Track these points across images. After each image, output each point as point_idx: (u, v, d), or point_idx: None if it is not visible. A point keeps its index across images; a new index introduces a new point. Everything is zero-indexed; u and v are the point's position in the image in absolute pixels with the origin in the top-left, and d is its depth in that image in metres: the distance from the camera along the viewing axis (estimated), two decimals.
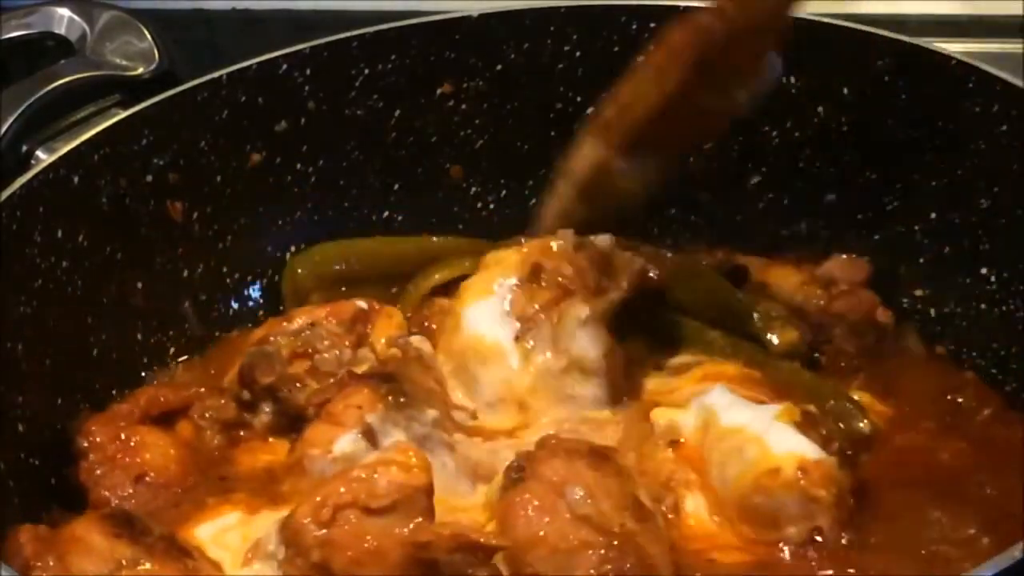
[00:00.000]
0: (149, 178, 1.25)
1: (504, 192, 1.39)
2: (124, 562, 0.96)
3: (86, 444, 1.13)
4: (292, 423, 1.16)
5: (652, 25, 1.30)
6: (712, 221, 1.36)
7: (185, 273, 1.29)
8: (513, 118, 1.36)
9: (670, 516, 1.05)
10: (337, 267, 1.31)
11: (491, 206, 1.39)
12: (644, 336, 1.23)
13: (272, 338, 1.20)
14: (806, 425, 1.04)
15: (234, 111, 1.29)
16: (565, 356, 1.15)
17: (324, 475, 1.05)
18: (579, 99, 1.35)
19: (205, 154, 1.28)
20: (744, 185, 1.34)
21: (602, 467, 1.00)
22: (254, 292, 1.34)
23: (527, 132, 1.37)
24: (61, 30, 1.43)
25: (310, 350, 1.19)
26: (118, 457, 1.13)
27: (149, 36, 1.41)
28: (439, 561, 0.96)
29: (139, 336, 1.25)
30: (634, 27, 1.31)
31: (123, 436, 1.14)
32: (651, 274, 1.22)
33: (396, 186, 1.37)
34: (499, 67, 1.34)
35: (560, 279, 1.17)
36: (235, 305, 1.33)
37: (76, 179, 1.19)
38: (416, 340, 1.16)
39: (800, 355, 1.20)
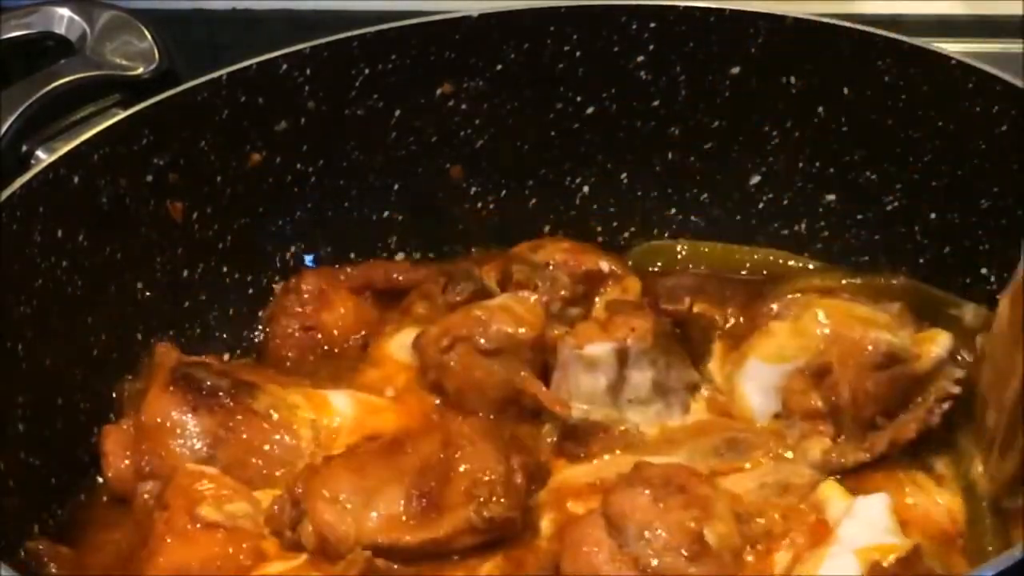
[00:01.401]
0: (149, 178, 1.25)
1: (504, 192, 1.39)
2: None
3: (294, 286, 1.27)
4: None
5: (652, 25, 1.31)
6: (712, 221, 1.36)
7: (185, 273, 1.29)
8: (513, 118, 1.36)
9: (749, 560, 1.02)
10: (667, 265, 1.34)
11: (491, 206, 1.39)
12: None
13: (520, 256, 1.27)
14: (882, 573, 0.97)
15: (234, 111, 1.28)
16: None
17: (565, 366, 1.14)
18: (579, 99, 1.35)
19: (205, 154, 1.28)
20: (744, 185, 1.34)
21: (670, 499, 1.00)
22: (254, 292, 1.34)
23: (527, 132, 1.36)
24: (61, 30, 1.43)
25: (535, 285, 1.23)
26: (307, 309, 1.26)
27: (149, 36, 1.40)
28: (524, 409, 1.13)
29: (139, 336, 1.25)
30: (634, 27, 1.31)
31: (324, 288, 1.27)
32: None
33: (396, 186, 1.37)
34: (499, 67, 1.34)
35: (828, 400, 1.10)
36: (236, 305, 1.33)
37: (76, 179, 1.19)
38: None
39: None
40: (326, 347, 1.27)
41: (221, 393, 1.12)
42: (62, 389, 1.17)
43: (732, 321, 1.24)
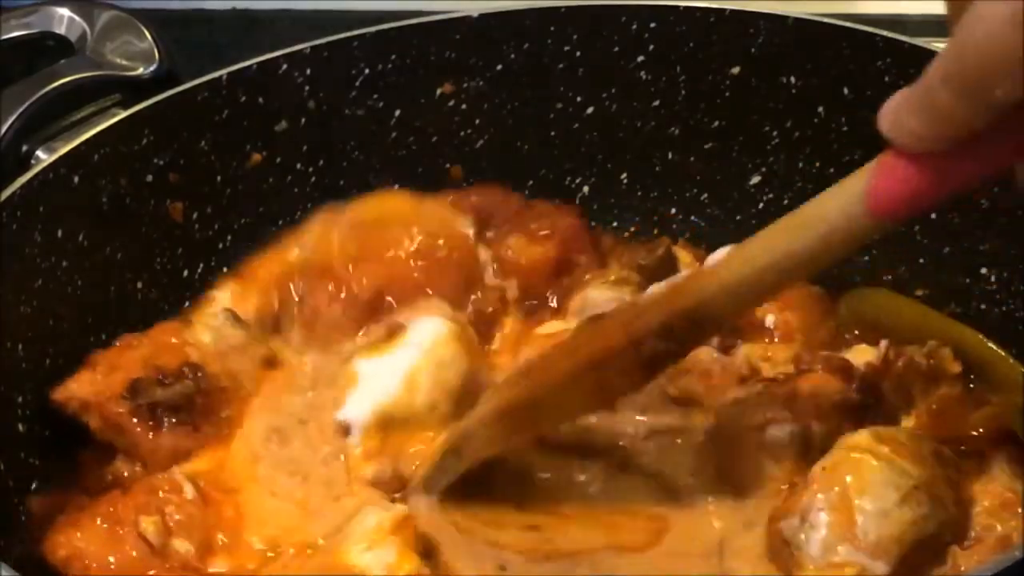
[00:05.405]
0: (149, 178, 1.25)
1: None
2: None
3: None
4: None
5: (652, 25, 1.31)
6: (712, 221, 1.36)
7: (185, 273, 1.29)
8: (513, 118, 1.36)
9: None
10: (878, 317, 1.24)
11: None
12: None
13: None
14: None
15: (234, 111, 1.28)
16: None
17: None
18: (579, 99, 1.35)
19: (205, 154, 1.28)
20: (744, 185, 1.34)
21: None
22: None
23: (527, 132, 1.37)
24: (61, 30, 1.43)
25: None
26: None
27: (149, 36, 1.40)
28: None
29: None
30: (634, 27, 1.31)
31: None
32: None
33: (396, 186, 1.37)
34: (499, 67, 1.34)
35: None
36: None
37: (76, 179, 1.19)
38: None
39: None
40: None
41: (202, 389, 1.14)
42: None
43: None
